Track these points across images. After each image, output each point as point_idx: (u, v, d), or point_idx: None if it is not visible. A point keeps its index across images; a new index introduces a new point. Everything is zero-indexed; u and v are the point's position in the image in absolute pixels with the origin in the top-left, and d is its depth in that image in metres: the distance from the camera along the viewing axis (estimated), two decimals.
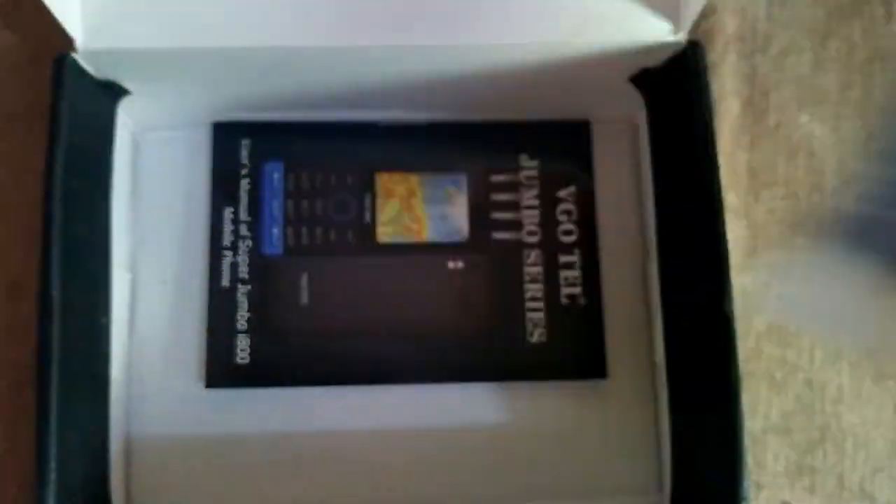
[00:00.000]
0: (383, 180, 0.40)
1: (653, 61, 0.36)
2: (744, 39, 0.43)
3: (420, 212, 0.39)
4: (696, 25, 0.35)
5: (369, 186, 0.40)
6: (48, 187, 0.32)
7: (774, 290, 0.40)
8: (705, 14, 0.42)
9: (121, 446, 0.37)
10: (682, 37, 0.35)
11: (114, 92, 0.37)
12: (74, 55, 0.34)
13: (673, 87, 0.36)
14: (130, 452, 0.38)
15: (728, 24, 0.43)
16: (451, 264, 0.39)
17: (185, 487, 0.38)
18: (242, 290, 0.39)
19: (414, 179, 0.40)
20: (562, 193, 0.40)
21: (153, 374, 0.39)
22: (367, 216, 0.40)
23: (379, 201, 0.40)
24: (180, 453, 0.38)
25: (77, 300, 0.33)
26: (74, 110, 0.34)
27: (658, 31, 0.35)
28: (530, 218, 0.40)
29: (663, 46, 0.35)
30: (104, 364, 0.36)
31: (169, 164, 0.40)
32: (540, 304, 0.39)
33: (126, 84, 0.37)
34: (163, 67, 0.35)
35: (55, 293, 0.32)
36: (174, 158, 0.40)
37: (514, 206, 0.40)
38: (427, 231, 0.39)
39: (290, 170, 0.40)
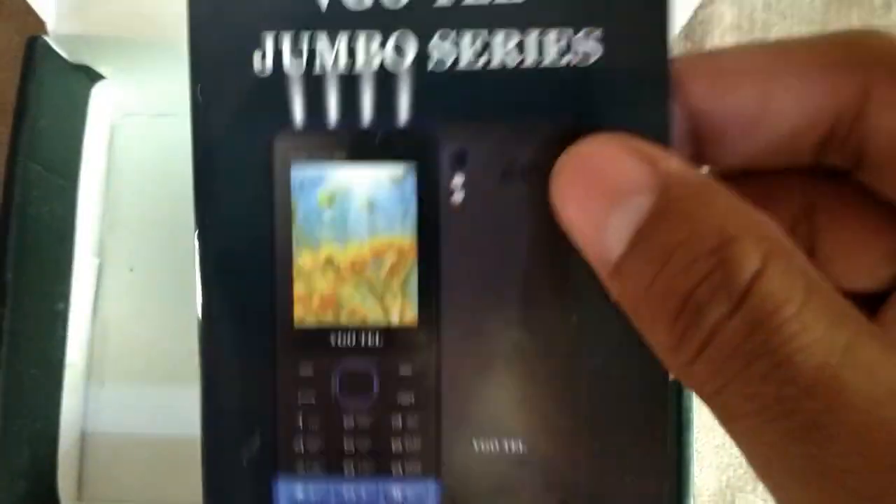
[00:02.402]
0: None
1: None
2: (741, 28, 0.42)
3: None
4: (694, 14, 0.34)
5: None
6: (9, 169, 0.33)
7: None
8: (703, 4, 0.41)
9: (76, 433, 0.37)
10: None
11: (87, 77, 0.37)
12: (46, 38, 0.34)
13: None
14: (85, 440, 0.38)
15: (726, 14, 0.42)
16: None
17: (139, 477, 0.38)
18: None
19: None
20: None
21: (114, 359, 0.39)
22: None
23: None
24: (136, 443, 0.38)
25: (33, 285, 0.34)
26: (45, 93, 0.34)
27: None
28: None
29: None
30: (59, 349, 0.36)
31: (143, 152, 0.40)
32: None
33: (101, 69, 0.37)
34: (137, 55, 0.35)
35: (9, 276, 0.32)
36: (149, 146, 0.40)
37: None
38: None
39: None
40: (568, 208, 0.17)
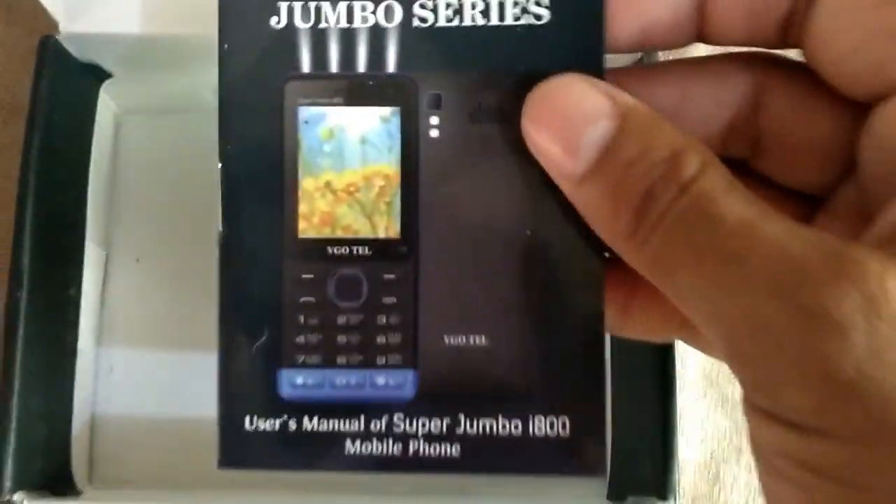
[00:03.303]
0: None
1: None
2: None
3: None
4: None
5: None
6: (25, 161, 0.35)
7: None
8: None
9: (87, 417, 0.39)
10: None
11: (95, 75, 0.40)
12: (57, 37, 0.36)
13: None
14: (95, 424, 0.40)
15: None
16: None
17: (148, 459, 0.40)
18: None
19: None
20: None
21: (121, 346, 0.41)
22: None
23: None
24: (145, 426, 0.40)
25: (48, 270, 0.36)
26: (55, 90, 0.36)
27: None
28: None
29: None
30: (72, 333, 0.38)
31: (148, 148, 0.43)
32: None
33: (108, 67, 0.40)
34: (143, 53, 0.38)
35: (26, 261, 0.35)
36: (154, 142, 0.43)
37: None
38: None
39: None
40: (539, 135, 0.22)
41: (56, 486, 0.36)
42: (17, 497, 0.34)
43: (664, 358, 0.35)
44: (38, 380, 0.36)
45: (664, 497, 0.35)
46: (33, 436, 0.35)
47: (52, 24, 0.36)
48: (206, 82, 0.40)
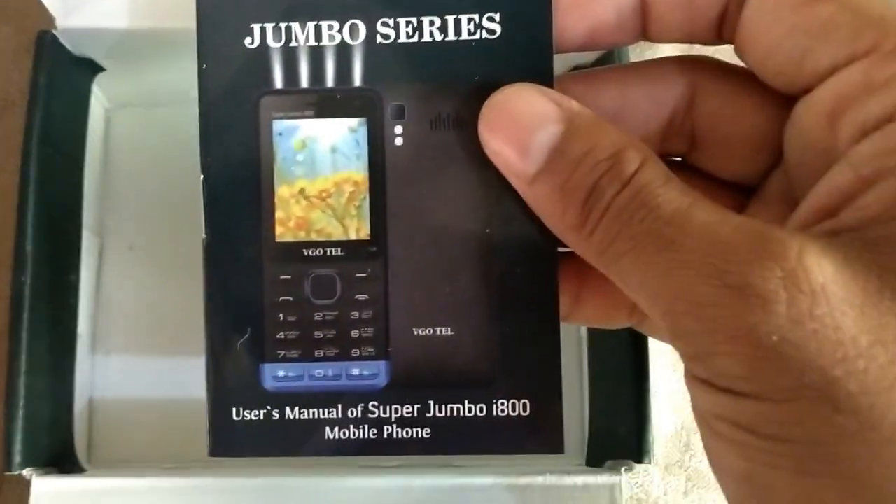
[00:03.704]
0: None
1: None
2: None
3: None
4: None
5: None
6: (25, 151, 0.37)
7: None
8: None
9: (85, 400, 0.41)
10: None
11: (89, 68, 0.41)
12: (55, 32, 0.38)
13: None
14: (93, 407, 0.42)
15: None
16: None
17: (144, 439, 0.42)
18: None
19: None
20: None
21: (117, 331, 0.43)
22: None
23: None
24: (141, 408, 0.42)
25: (48, 256, 0.38)
26: (52, 84, 0.38)
27: None
28: None
29: None
30: (72, 318, 0.40)
31: (140, 139, 0.45)
32: None
33: (100, 61, 0.41)
34: (134, 46, 0.39)
35: (29, 247, 0.36)
36: (145, 135, 0.45)
37: None
38: None
39: None
40: (495, 139, 0.24)
41: (61, 463, 0.38)
42: (25, 472, 0.35)
43: (638, 334, 0.37)
44: (43, 361, 0.37)
45: (639, 461, 0.37)
46: (39, 414, 0.37)
47: (43, 22, 0.37)
48: (195, 75, 0.42)
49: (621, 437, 0.38)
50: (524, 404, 0.25)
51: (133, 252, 0.44)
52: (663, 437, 0.44)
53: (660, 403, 0.43)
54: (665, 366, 0.44)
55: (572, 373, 0.43)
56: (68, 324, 0.40)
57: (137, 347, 0.43)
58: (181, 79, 0.42)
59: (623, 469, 0.37)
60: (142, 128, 0.45)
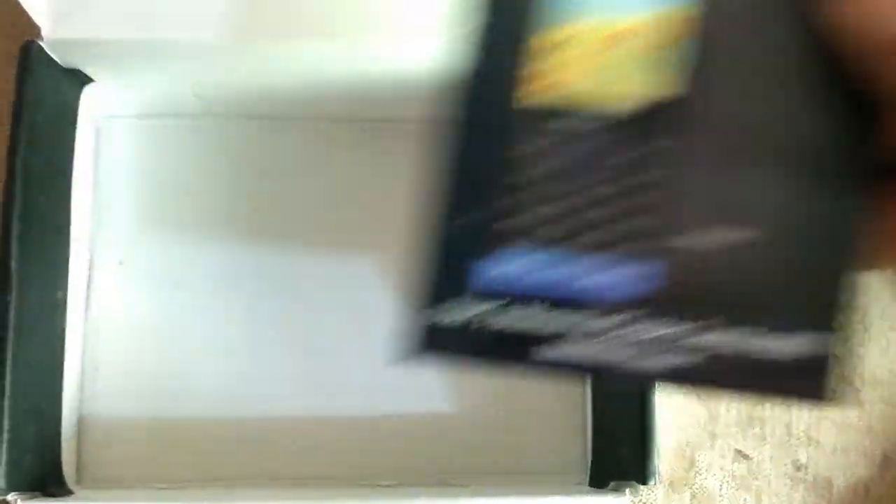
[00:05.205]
0: None
1: None
2: None
3: None
4: None
5: None
6: (10, 164, 0.36)
7: None
8: None
9: (74, 419, 0.40)
10: None
11: (78, 79, 0.40)
12: (41, 42, 0.37)
13: None
14: (83, 425, 0.41)
15: None
16: None
17: (134, 458, 0.41)
18: None
19: None
20: None
21: (106, 348, 0.42)
22: None
23: None
24: (131, 426, 0.41)
25: (36, 274, 0.37)
26: (39, 95, 0.37)
27: None
28: None
29: None
30: (61, 335, 0.39)
31: (129, 152, 0.44)
32: None
33: (89, 72, 0.40)
34: (123, 57, 0.39)
35: (14, 265, 0.35)
36: (135, 147, 0.44)
37: None
38: None
39: None
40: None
41: (48, 485, 0.37)
42: (10, 497, 0.34)
43: None
44: (29, 383, 0.37)
45: (644, 482, 0.36)
46: (25, 435, 0.36)
47: (30, 32, 0.37)
48: (185, 86, 0.42)
49: (626, 458, 0.38)
50: (809, 342, 0.21)
51: (123, 266, 0.43)
52: (667, 454, 0.43)
53: (664, 420, 0.42)
54: None
55: (574, 391, 0.42)
56: (56, 342, 0.39)
57: (128, 364, 0.42)
58: (171, 90, 0.42)
59: (627, 490, 0.36)
60: (131, 139, 0.44)
